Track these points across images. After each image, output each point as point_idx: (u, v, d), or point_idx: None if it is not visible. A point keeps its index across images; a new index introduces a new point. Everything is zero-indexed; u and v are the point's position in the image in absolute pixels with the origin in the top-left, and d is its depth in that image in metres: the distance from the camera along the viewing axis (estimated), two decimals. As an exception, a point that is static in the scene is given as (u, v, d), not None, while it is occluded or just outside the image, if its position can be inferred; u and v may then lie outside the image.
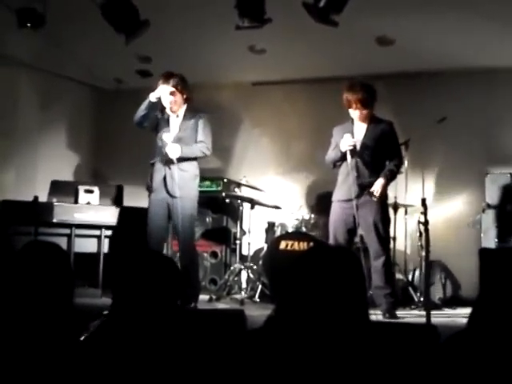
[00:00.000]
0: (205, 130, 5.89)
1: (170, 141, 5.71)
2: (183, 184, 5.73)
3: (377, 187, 5.45)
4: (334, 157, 5.68)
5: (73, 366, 2.04)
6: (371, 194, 5.44)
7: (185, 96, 5.88)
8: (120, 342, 2.06)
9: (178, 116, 5.92)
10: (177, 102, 5.84)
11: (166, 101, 5.80)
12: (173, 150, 5.69)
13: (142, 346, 2.05)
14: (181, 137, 5.82)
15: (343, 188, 5.57)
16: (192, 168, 5.86)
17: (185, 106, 5.94)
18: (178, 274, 2.36)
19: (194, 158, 5.87)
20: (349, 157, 5.48)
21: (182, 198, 5.70)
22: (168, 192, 5.72)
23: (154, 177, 5.84)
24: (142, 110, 5.87)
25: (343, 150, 5.51)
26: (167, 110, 5.88)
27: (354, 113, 5.57)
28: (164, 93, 5.76)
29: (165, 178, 5.75)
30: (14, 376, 2.03)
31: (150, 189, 5.87)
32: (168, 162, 5.72)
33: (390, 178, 5.58)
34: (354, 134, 5.61)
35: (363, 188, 5.49)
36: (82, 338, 2.24)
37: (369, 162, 5.55)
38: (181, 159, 5.73)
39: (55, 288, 2.30)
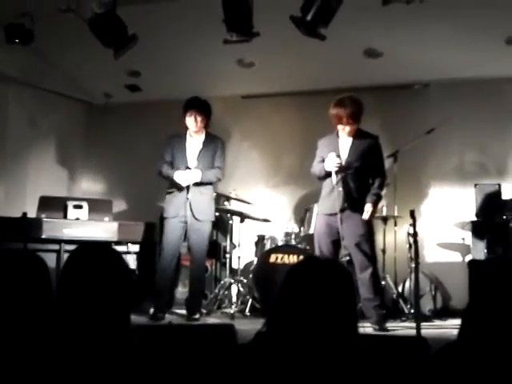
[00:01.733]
0: (221, 157, 6.19)
1: (193, 166, 5.98)
2: (204, 207, 6.05)
3: (366, 215, 5.47)
4: (318, 173, 5.69)
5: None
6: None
7: (206, 122, 6.12)
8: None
9: (196, 143, 6.13)
10: (198, 123, 6.04)
11: (193, 122, 6.02)
12: (194, 176, 5.96)
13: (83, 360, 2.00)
14: (201, 161, 6.05)
15: (327, 202, 5.58)
16: (210, 191, 6.18)
17: (204, 132, 6.15)
18: (129, 274, 2.24)
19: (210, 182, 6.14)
20: (333, 175, 5.50)
21: (203, 222, 6.03)
22: (193, 215, 5.95)
23: (172, 201, 6.07)
24: (165, 177, 6.14)
25: (328, 170, 5.53)
26: (188, 134, 6.12)
27: (344, 128, 5.57)
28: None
29: (186, 202, 5.95)
30: None
31: (165, 213, 6.14)
32: (189, 186, 5.95)
33: (377, 201, 5.60)
34: (339, 147, 5.62)
35: (347, 203, 5.49)
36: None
37: (353, 178, 5.57)
38: (199, 184, 5.99)
39: (31, 298, 2.26)
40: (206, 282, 7.12)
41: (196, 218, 5.97)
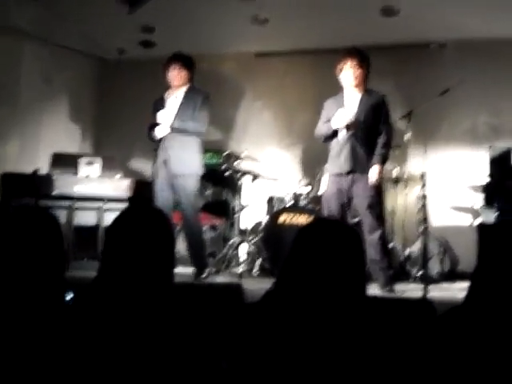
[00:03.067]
0: (202, 109, 5.96)
1: (166, 119, 5.84)
2: (184, 162, 5.86)
3: (373, 176, 5.41)
4: (324, 132, 5.61)
5: (58, 332, 2.03)
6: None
7: (189, 76, 5.98)
8: (104, 312, 2.04)
9: (176, 97, 5.98)
10: (181, 77, 5.93)
11: (176, 76, 5.93)
12: (160, 131, 5.86)
13: (127, 316, 2.03)
14: (180, 115, 5.93)
15: (336, 162, 5.51)
16: (192, 145, 5.96)
17: (185, 88, 6.00)
18: (171, 237, 2.29)
19: (195, 135, 5.95)
20: (344, 132, 5.44)
21: (184, 176, 5.85)
22: (172, 172, 5.84)
23: (156, 161, 5.98)
24: (152, 138, 6.02)
25: (337, 127, 5.46)
26: (167, 93, 6.00)
27: (348, 74, 5.47)
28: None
29: (166, 159, 5.86)
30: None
31: (154, 174, 6.00)
32: (166, 144, 5.86)
33: (383, 161, 5.50)
34: (345, 106, 5.53)
35: (356, 164, 5.46)
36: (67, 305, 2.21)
37: (361, 135, 5.47)
38: (181, 141, 5.87)
39: (43, 254, 2.28)
40: (215, 241, 7.16)
41: (175, 174, 5.85)
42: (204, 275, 5.95)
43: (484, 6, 6.33)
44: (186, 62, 5.98)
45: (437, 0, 6.27)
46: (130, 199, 6.59)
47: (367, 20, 6.79)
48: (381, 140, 5.49)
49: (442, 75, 7.09)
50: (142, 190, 6.60)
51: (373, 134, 5.49)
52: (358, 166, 5.43)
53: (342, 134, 5.45)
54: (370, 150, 5.46)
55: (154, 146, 6.05)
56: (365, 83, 5.56)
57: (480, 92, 7.15)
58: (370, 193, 5.41)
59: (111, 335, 1.99)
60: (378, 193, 5.49)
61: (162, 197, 5.87)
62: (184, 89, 6.03)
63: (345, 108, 5.49)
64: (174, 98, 6.00)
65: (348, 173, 5.41)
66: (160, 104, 6.03)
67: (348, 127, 5.43)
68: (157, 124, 5.91)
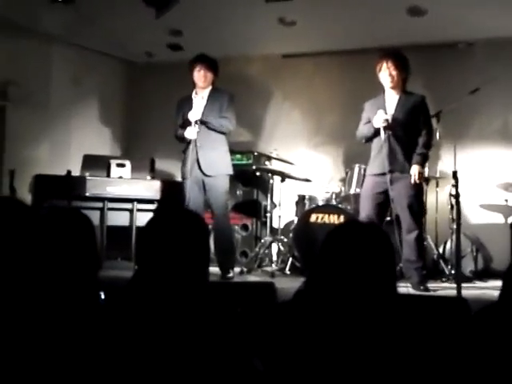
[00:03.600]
0: (229, 108, 6.03)
1: (194, 120, 5.88)
2: (215, 162, 5.94)
3: (414, 176, 5.39)
4: (366, 132, 5.63)
5: (91, 332, 2.05)
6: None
7: (214, 78, 6.05)
8: (141, 311, 2.06)
9: (202, 98, 6.04)
10: (207, 78, 6.00)
11: (202, 77, 5.98)
12: (190, 132, 5.88)
13: (165, 317, 2.05)
14: (207, 115, 5.97)
15: (376, 162, 5.53)
16: (221, 145, 6.03)
17: (210, 88, 6.08)
18: (208, 235, 2.30)
19: (222, 135, 6.01)
20: (382, 132, 5.45)
21: (216, 177, 5.92)
22: (202, 172, 5.89)
23: (185, 162, 5.99)
24: (181, 139, 6.08)
25: (377, 127, 5.47)
26: (193, 92, 6.05)
27: (384, 75, 5.51)
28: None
29: (197, 160, 5.90)
30: (31, 340, 2.06)
31: (184, 174, 6.01)
32: (196, 144, 5.90)
33: (423, 161, 5.50)
34: (385, 106, 5.56)
35: (396, 164, 5.45)
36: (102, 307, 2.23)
37: (401, 135, 5.49)
38: (210, 141, 5.93)
39: (77, 255, 2.30)
40: (247, 241, 7.19)
41: (207, 175, 5.91)
42: (230, 275, 5.97)
43: (511, 6, 6.28)
44: (212, 63, 6.05)
45: (463, 0, 6.24)
46: (159, 201, 6.65)
47: (394, 20, 6.76)
48: (421, 140, 5.50)
49: (470, 74, 7.05)
50: (171, 191, 6.65)
51: (412, 135, 5.50)
52: (397, 166, 5.43)
53: (382, 135, 5.46)
54: (410, 151, 5.47)
55: (181, 148, 6.09)
56: (403, 84, 5.59)
57: (509, 91, 7.09)
58: (409, 193, 5.41)
59: (148, 334, 2.00)
60: (418, 193, 5.49)
61: (193, 197, 5.91)
62: (208, 89, 6.09)
63: (383, 109, 5.50)
64: (201, 98, 6.05)
65: (387, 173, 5.40)
66: (186, 103, 6.09)
67: (386, 127, 5.44)
68: (187, 124, 5.95)
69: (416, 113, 5.52)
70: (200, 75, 6.00)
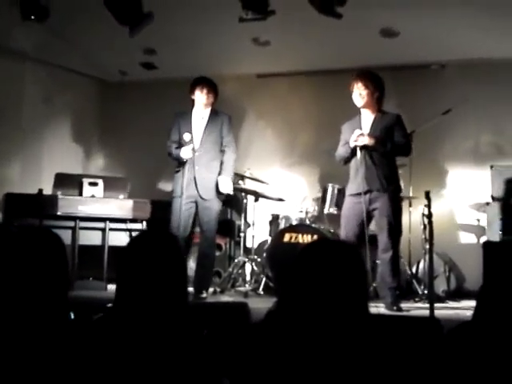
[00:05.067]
0: (229, 131, 6.18)
1: (198, 142, 6.01)
2: (211, 186, 6.02)
3: (365, 139, 5.44)
4: (343, 154, 5.65)
5: (70, 358, 2.03)
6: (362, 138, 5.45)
7: (214, 99, 6.19)
8: (122, 336, 2.05)
9: (202, 118, 6.12)
10: (209, 99, 6.12)
11: (204, 95, 6.10)
12: (225, 185, 6.05)
13: (145, 340, 2.04)
14: (207, 136, 6.08)
15: (355, 182, 5.55)
16: (218, 168, 6.11)
17: (209, 109, 6.17)
18: (185, 259, 2.34)
19: (219, 157, 6.13)
20: (358, 152, 5.48)
21: (211, 200, 6.02)
22: (199, 194, 5.97)
23: (178, 180, 6.02)
24: (175, 158, 6.12)
25: (352, 146, 5.49)
26: (194, 111, 6.16)
27: (355, 95, 5.55)
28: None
29: (195, 180, 5.97)
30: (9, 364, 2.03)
31: (176, 192, 6.03)
32: (194, 165, 5.97)
33: (383, 143, 5.50)
34: (361, 127, 5.59)
35: (374, 183, 5.47)
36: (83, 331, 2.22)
37: (376, 155, 5.50)
38: (208, 163, 6.03)
39: (47, 274, 2.27)
40: (220, 260, 7.18)
41: (203, 198, 5.97)
42: (204, 295, 6.00)
43: (483, 28, 6.36)
44: (214, 85, 6.18)
45: (436, 22, 6.31)
46: (147, 220, 6.66)
47: (368, 41, 6.82)
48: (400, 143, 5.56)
49: (443, 95, 7.13)
50: (158, 211, 6.65)
51: (388, 154, 5.53)
52: (375, 185, 5.46)
53: (358, 154, 5.48)
54: (387, 169, 5.50)
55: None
56: (377, 104, 5.62)
57: (481, 112, 7.18)
58: (388, 211, 5.43)
59: (123, 354, 2.00)
60: (396, 212, 5.51)
61: (184, 216, 5.92)
62: (208, 110, 6.17)
63: (360, 129, 5.54)
64: (201, 118, 6.13)
65: (365, 192, 5.42)
66: (183, 121, 6.16)
67: (362, 147, 5.47)
68: (183, 144, 6.01)
69: (391, 131, 5.56)
70: (203, 94, 6.09)
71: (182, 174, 5.97)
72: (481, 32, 6.45)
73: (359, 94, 5.55)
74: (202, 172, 5.98)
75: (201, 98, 6.10)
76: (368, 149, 5.49)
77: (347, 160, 5.65)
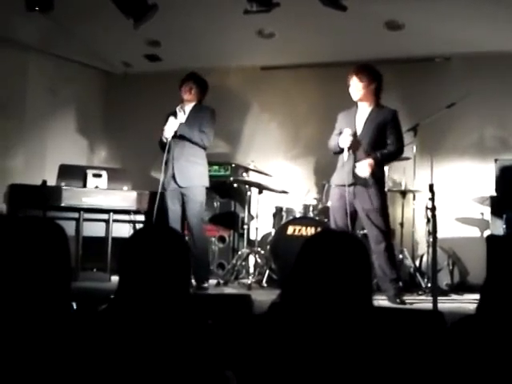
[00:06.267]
0: (209, 123, 6.18)
1: (175, 125, 6.05)
2: (189, 174, 6.05)
3: (362, 168, 5.42)
4: (333, 147, 5.66)
5: (73, 351, 2.03)
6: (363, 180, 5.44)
7: (199, 95, 6.25)
8: (125, 327, 2.06)
9: (185, 112, 6.20)
10: (192, 93, 6.19)
11: (187, 92, 6.19)
12: (168, 129, 6.04)
13: (148, 331, 2.04)
14: (186, 123, 6.12)
15: (340, 174, 5.55)
16: (198, 158, 6.14)
17: (194, 103, 6.23)
18: (188, 252, 2.33)
19: (200, 149, 6.13)
20: (345, 152, 5.47)
21: (190, 188, 6.03)
22: (177, 184, 6.03)
23: (166, 172, 6.11)
24: (162, 146, 6.19)
25: (342, 147, 5.49)
26: (179, 106, 6.19)
27: (351, 88, 5.55)
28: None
29: (173, 171, 6.04)
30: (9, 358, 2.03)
31: (163, 186, 6.12)
32: (173, 156, 6.07)
33: (381, 159, 5.50)
34: (355, 120, 5.57)
35: (358, 178, 5.46)
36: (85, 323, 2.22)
37: (367, 151, 5.51)
38: (186, 152, 6.08)
39: (49, 265, 2.27)
40: (224, 253, 7.19)
41: (182, 186, 6.03)
42: (205, 285, 6.01)
43: (488, 20, 6.34)
44: (198, 79, 6.23)
45: (441, 15, 6.30)
46: (146, 212, 6.67)
47: (372, 34, 6.81)
48: (389, 147, 5.53)
49: (447, 89, 7.10)
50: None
51: (377, 149, 5.52)
52: (360, 180, 5.45)
53: (345, 154, 5.48)
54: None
55: (160, 158, 6.12)
56: (374, 97, 5.59)
57: (486, 105, 7.15)
58: (372, 206, 5.42)
59: (126, 346, 2.00)
60: (381, 206, 5.49)
61: (172, 209, 6.05)
62: (192, 104, 6.22)
63: (352, 123, 5.54)
64: (183, 112, 6.19)
65: (350, 185, 5.42)
66: (173, 117, 6.18)
67: (350, 148, 5.47)
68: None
69: (384, 128, 5.54)
70: (185, 89, 6.18)
71: (167, 167, 6.08)
72: (486, 25, 6.44)
73: (354, 86, 5.55)
74: (180, 163, 6.05)
75: (183, 94, 6.20)
76: (356, 149, 5.49)
77: (338, 152, 5.64)
